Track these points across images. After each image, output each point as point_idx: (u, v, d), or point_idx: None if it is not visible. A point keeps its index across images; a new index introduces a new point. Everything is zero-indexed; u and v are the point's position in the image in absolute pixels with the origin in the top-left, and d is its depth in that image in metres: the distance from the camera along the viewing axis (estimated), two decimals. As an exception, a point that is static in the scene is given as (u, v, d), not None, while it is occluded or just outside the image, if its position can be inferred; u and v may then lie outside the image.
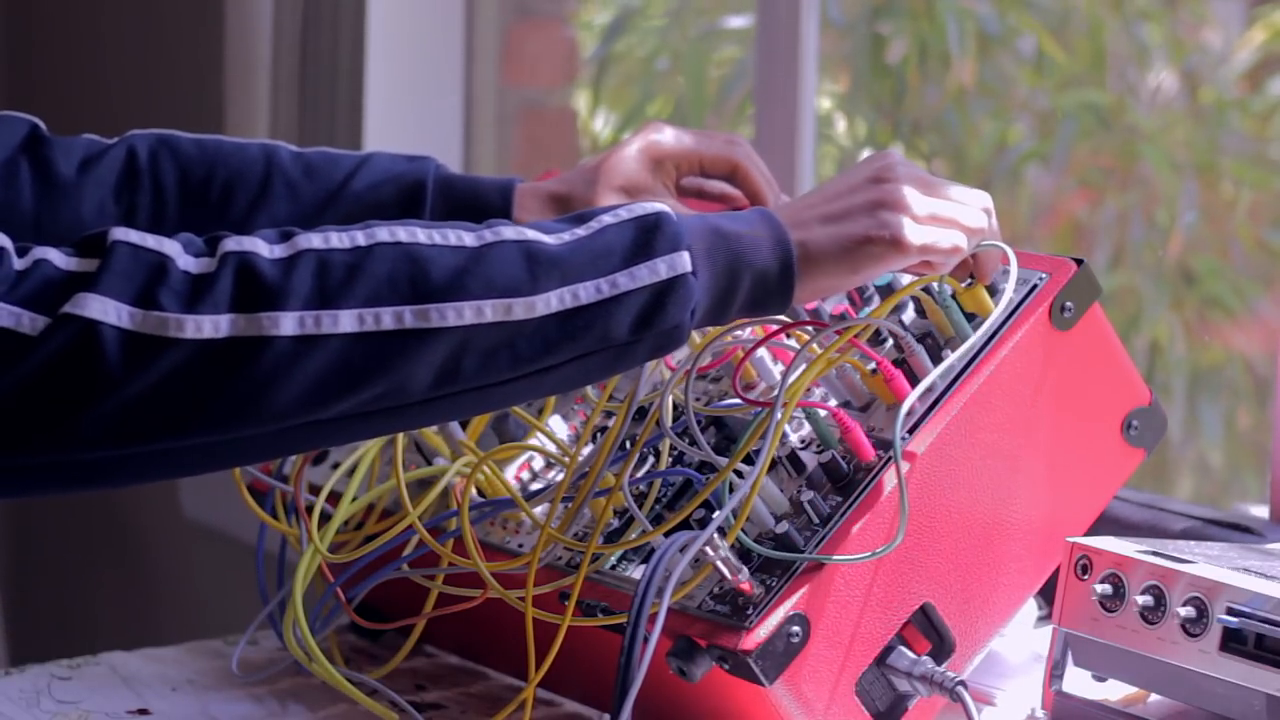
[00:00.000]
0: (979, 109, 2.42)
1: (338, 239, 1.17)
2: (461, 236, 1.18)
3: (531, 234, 1.19)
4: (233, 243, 1.15)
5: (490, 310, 1.16)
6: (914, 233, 1.25)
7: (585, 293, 1.18)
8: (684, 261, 1.20)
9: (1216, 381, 2.34)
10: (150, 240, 1.15)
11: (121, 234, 1.15)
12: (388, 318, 1.15)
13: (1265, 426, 2.31)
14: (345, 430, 1.19)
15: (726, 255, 1.22)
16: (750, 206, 1.52)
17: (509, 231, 1.19)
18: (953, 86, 2.39)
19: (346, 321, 1.15)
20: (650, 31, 2.70)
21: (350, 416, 1.17)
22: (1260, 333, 2.32)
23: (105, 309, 1.11)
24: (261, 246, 1.16)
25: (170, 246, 1.15)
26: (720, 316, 1.23)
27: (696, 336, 1.36)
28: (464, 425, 1.50)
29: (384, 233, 1.18)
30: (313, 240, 1.16)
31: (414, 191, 1.52)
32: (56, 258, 1.14)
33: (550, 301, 1.18)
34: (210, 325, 1.13)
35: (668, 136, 1.54)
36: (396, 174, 1.53)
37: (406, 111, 2.43)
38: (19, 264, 1.13)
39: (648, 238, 1.20)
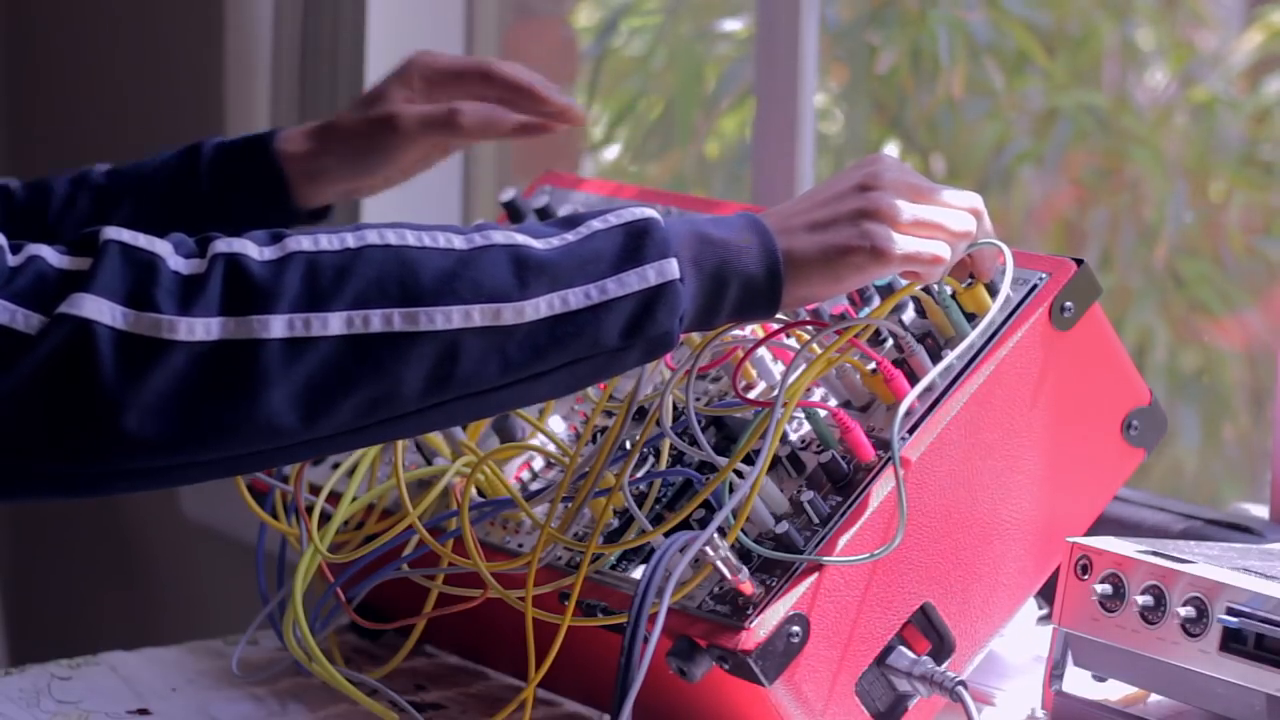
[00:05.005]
0: (974, 110, 2.42)
1: (327, 241, 1.17)
2: (451, 240, 1.19)
3: (521, 238, 1.19)
4: (223, 244, 1.16)
5: (479, 315, 1.17)
6: (896, 243, 1.25)
7: (574, 298, 1.18)
8: (672, 268, 1.20)
9: (1195, 390, 2.33)
10: (142, 240, 1.15)
11: (114, 233, 1.15)
12: (376, 320, 1.15)
13: (1243, 438, 2.31)
14: (342, 443, 1.19)
15: (714, 261, 1.22)
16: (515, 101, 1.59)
17: (498, 235, 1.19)
18: (943, 93, 2.39)
19: (335, 323, 1.15)
20: (645, 30, 2.70)
21: (348, 431, 1.17)
22: (1241, 337, 2.32)
23: (100, 309, 1.12)
24: (251, 248, 1.16)
25: (161, 246, 1.15)
26: (708, 322, 1.24)
27: (696, 336, 1.36)
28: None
29: (373, 235, 1.18)
30: (302, 242, 1.17)
31: (191, 152, 1.62)
32: (50, 255, 1.14)
33: (539, 307, 1.18)
34: (202, 327, 1.13)
35: (423, 55, 1.63)
36: (183, 145, 1.63)
37: (406, 111, 2.43)
38: (12, 260, 1.13)
39: (636, 244, 1.20)
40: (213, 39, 2.56)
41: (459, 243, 1.19)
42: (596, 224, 1.21)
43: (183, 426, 1.13)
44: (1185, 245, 2.33)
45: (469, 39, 2.49)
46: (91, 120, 2.92)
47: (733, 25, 2.60)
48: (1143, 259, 2.34)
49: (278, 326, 1.14)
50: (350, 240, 1.17)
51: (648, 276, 1.20)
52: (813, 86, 2.06)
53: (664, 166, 2.67)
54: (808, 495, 1.31)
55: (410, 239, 1.18)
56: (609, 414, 1.46)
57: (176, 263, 1.15)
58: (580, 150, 2.68)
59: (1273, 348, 2.20)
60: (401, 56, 1.63)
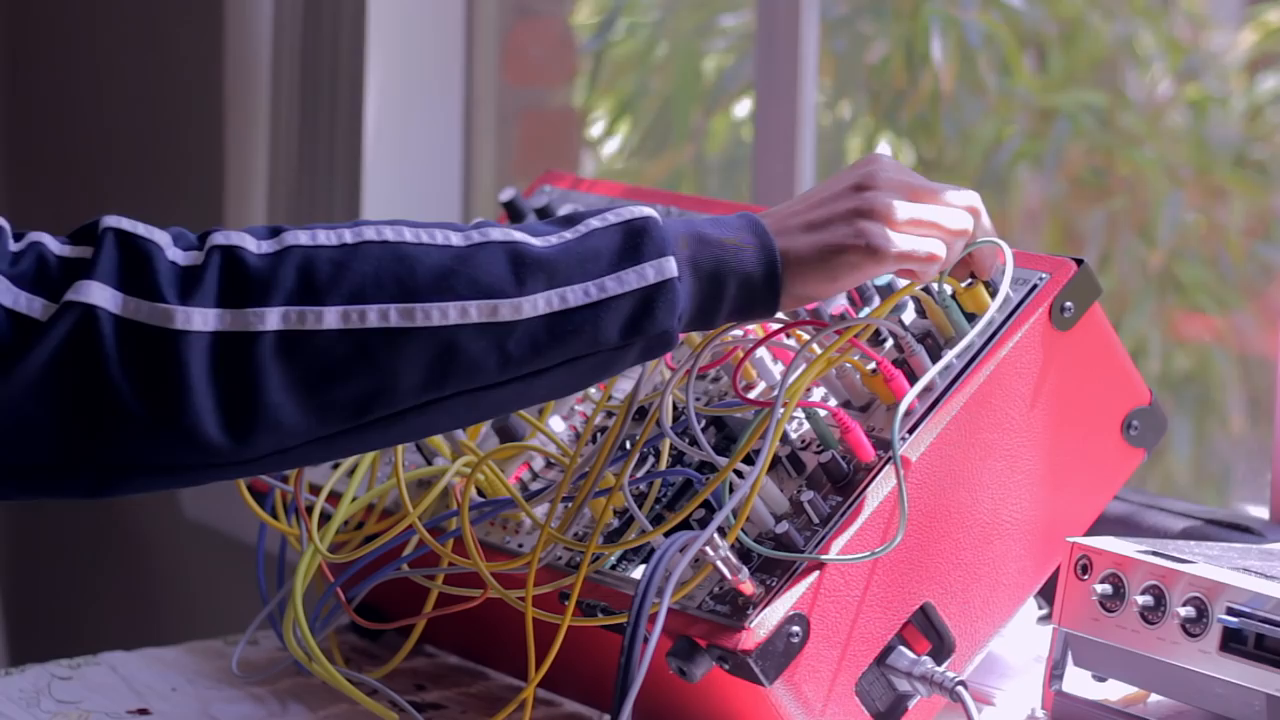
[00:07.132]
0: (971, 108, 2.42)
1: (325, 236, 1.18)
2: (449, 237, 1.19)
3: (519, 235, 1.20)
4: (221, 237, 1.17)
5: (476, 311, 1.17)
6: (891, 241, 1.25)
7: (573, 295, 1.19)
8: (670, 266, 1.20)
9: (1188, 392, 2.33)
10: (141, 229, 1.16)
11: (113, 221, 1.16)
12: (373, 315, 1.16)
13: (1231, 440, 2.31)
14: (345, 444, 1.19)
15: (712, 261, 1.22)
16: None
17: (496, 233, 1.20)
18: (931, 88, 2.39)
19: (331, 318, 1.15)
20: (644, 25, 2.70)
21: (350, 430, 1.17)
22: (1233, 337, 2.32)
23: (104, 295, 1.12)
24: (249, 241, 1.17)
25: (160, 236, 1.16)
26: (707, 322, 1.24)
27: (696, 336, 1.36)
28: (464, 425, 1.50)
29: (371, 231, 1.18)
30: (300, 237, 1.17)
31: None
32: (51, 243, 1.16)
33: (537, 304, 1.18)
34: (199, 317, 1.13)
35: None
36: None
37: (406, 111, 2.43)
38: (14, 246, 1.14)
39: (635, 242, 1.21)
40: (213, 39, 2.56)
41: (457, 239, 1.19)
42: (595, 222, 1.22)
43: (179, 416, 1.13)
44: (1183, 248, 2.33)
45: (469, 39, 2.49)
46: (91, 120, 2.92)
47: (731, 21, 2.60)
48: (1139, 262, 2.34)
49: (273, 319, 1.14)
50: (348, 236, 1.18)
51: (646, 275, 1.20)
52: (814, 83, 2.06)
53: (661, 165, 2.67)
54: (808, 495, 1.31)
55: (408, 235, 1.18)
56: (609, 414, 1.46)
57: (174, 254, 1.16)
58: (580, 149, 2.68)
59: (1267, 351, 2.21)
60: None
